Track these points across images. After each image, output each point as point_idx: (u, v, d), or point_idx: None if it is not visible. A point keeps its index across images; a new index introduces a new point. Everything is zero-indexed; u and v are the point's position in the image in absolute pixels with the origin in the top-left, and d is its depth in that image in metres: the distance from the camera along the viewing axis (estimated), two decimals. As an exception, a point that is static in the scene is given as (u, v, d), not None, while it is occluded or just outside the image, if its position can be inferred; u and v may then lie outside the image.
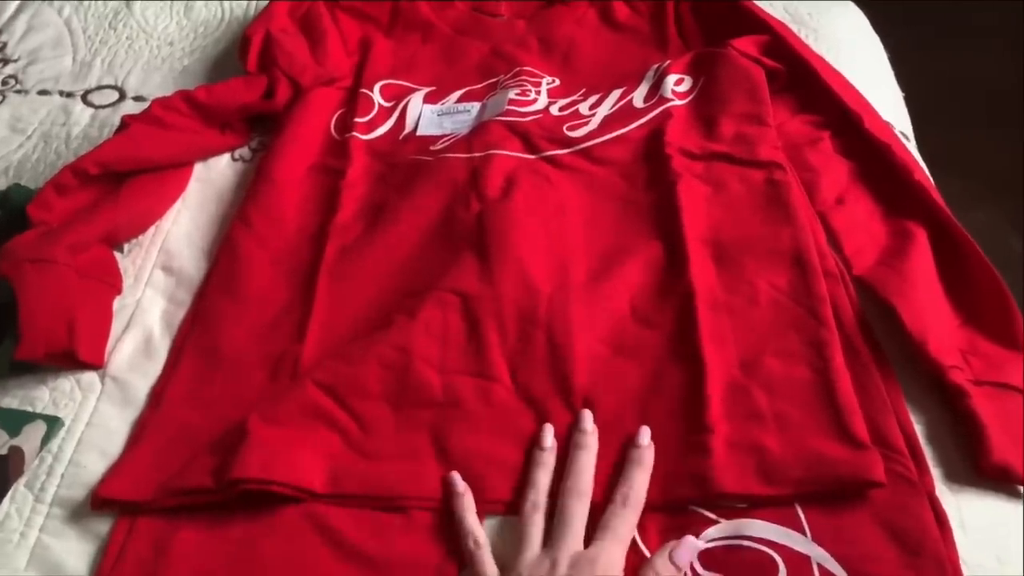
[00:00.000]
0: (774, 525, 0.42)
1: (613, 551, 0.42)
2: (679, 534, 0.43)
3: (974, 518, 0.43)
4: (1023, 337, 0.49)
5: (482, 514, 0.45)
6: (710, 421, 0.46)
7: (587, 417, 0.48)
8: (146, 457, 0.48)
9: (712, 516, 0.44)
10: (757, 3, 0.73)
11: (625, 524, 0.43)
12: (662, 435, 0.47)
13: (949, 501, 0.43)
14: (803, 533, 0.42)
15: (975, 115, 1.33)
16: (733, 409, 0.47)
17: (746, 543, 0.42)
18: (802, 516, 0.43)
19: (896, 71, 0.76)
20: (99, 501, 0.46)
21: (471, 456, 0.47)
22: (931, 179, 0.58)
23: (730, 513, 0.43)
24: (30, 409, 0.51)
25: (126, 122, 0.62)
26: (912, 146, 0.66)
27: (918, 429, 0.46)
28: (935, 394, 0.48)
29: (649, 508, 0.44)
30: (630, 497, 0.44)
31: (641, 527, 0.43)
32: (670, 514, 0.44)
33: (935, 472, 0.45)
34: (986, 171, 1.23)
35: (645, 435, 0.46)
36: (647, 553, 0.43)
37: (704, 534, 0.43)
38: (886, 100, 0.69)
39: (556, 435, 0.47)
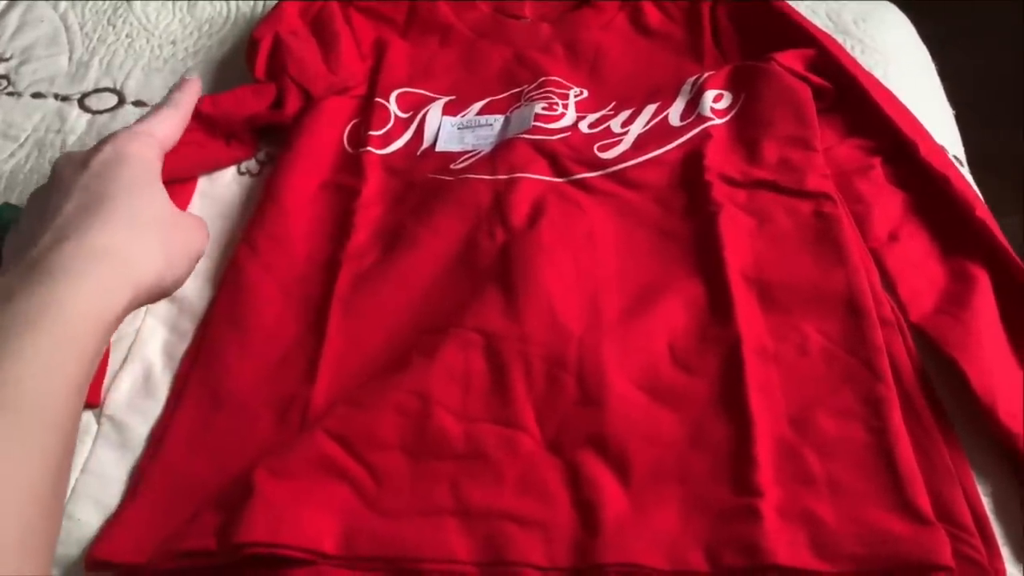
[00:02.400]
0: (829, 606, 0.39)
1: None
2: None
3: (1047, 605, 0.40)
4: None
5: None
6: (759, 483, 0.42)
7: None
8: (144, 513, 0.44)
9: (759, 589, 0.40)
10: (799, 10, 0.68)
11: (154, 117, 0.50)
12: (704, 495, 0.43)
13: (1020, 586, 0.40)
14: (861, 616, 0.39)
15: (1009, 114, 1.29)
16: (783, 471, 0.43)
17: (796, 622, 0.39)
18: (860, 599, 0.39)
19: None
20: (94, 563, 0.42)
21: (495, 515, 0.43)
22: (991, 214, 0.54)
23: (780, 588, 0.40)
24: (20, 455, 0.47)
25: (125, 135, 0.58)
26: (965, 171, 0.62)
27: (984, 501, 0.43)
28: (1002, 460, 0.44)
29: None
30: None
31: None
32: None
33: (1004, 551, 0.41)
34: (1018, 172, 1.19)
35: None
36: None
37: (751, 608, 0.39)
38: (937, 120, 0.64)
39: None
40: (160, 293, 0.44)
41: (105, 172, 0.43)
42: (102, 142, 0.46)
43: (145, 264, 0.41)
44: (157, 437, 0.48)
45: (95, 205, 0.41)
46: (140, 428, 0.48)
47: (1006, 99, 1.28)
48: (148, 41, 0.73)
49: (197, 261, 0.47)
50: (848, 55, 0.64)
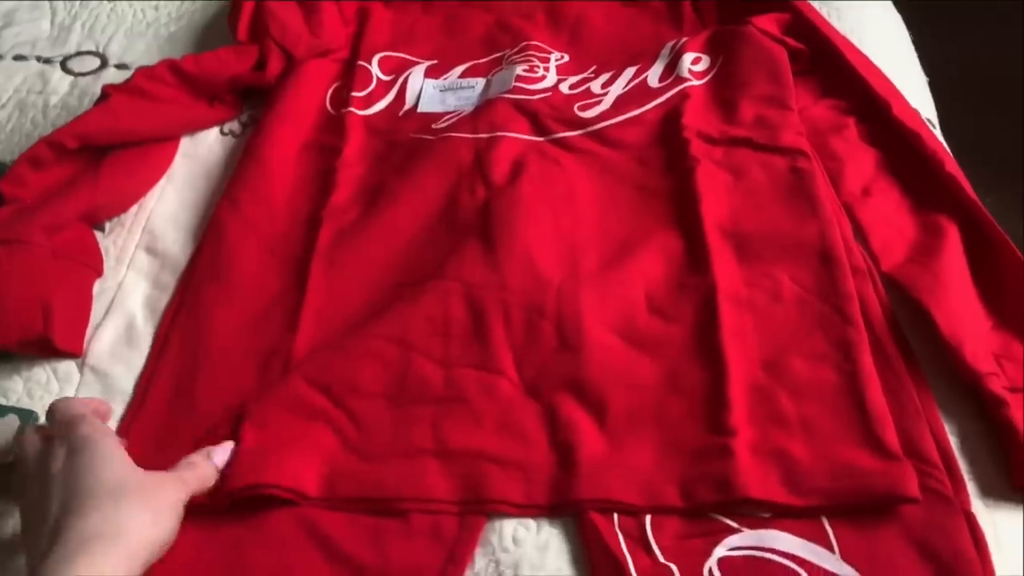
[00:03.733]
0: (801, 540, 0.40)
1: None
2: (698, 540, 0.40)
3: (1011, 536, 0.41)
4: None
5: (487, 516, 0.42)
6: (732, 424, 0.43)
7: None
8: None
9: (734, 524, 0.41)
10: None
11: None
12: (679, 435, 0.44)
13: (984, 518, 0.41)
14: (831, 550, 0.40)
15: (984, 100, 1.31)
16: (756, 412, 0.44)
17: (770, 556, 0.40)
18: (830, 531, 0.40)
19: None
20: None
21: (474, 455, 0.44)
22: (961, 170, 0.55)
23: (753, 522, 0.41)
24: (2, 401, 0.47)
25: (107, 92, 0.58)
26: (938, 133, 0.63)
27: (951, 440, 0.44)
28: (968, 401, 0.45)
29: (667, 511, 0.41)
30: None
31: (657, 530, 0.41)
32: (688, 519, 0.41)
33: (970, 486, 0.42)
34: (996, 156, 1.21)
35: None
36: (660, 557, 0.40)
37: (725, 542, 0.40)
38: (911, 84, 0.65)
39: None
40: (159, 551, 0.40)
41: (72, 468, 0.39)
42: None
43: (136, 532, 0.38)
44: (142, 388, 0.48)
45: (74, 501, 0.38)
46: (122, 377, 0.49)
47: (981, 85, 1.29)
48: (131, 5, 0.74)
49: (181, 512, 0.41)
50: (823, 19, 0.65)
